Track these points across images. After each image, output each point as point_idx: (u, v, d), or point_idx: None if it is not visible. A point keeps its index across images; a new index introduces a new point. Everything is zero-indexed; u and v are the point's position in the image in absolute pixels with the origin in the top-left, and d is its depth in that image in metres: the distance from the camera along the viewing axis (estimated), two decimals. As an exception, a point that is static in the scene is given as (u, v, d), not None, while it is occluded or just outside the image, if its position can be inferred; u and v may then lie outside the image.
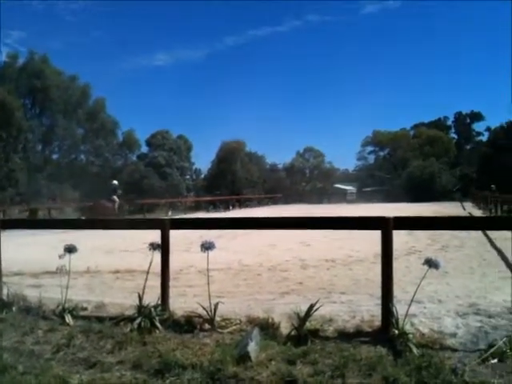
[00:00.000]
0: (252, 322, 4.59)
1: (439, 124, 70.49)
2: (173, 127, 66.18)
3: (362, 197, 52.84)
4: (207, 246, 4.70)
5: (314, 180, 61.81)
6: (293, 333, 4.30)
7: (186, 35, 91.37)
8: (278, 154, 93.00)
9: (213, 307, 4.63)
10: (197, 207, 38.42)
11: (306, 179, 62.78)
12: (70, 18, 71.66)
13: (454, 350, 3.93)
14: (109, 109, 45.50)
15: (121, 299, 5.69)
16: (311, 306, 4.44)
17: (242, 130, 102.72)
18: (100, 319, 4.85)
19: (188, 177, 56.66)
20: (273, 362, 3.69)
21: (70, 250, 5.10)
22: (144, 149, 52.10)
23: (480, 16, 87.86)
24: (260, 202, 46.69)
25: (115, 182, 25.21)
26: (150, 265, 4.89)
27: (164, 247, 5.03)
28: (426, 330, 4.30)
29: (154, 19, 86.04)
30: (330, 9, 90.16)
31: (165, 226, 5.09)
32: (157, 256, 5.01)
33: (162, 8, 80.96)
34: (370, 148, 65.34)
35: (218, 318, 4.63)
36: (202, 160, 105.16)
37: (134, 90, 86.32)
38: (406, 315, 4.23)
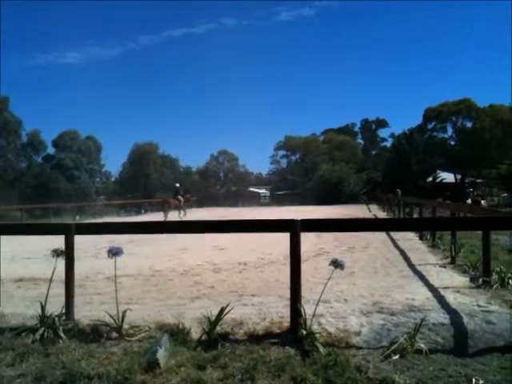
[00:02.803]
0: (162, 328, 4.52)
1: (347, 130, 73.68)
2: (82, 128, 63.40)
3: (276, 200, 53.99)
4: (114, 252, 4.57)
5: (229, 183, 62.10)
6: (203, 337, 4.29)
7: (98, 33, 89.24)
8: (192, 156, 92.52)
9: (121, 315, 4.50)
10: (107, 211, 37.15)
11: (221, 182, 62.90)
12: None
13: (359, 348, 4.11)
14: (12, 107, 43.02)
15: (23, 309, 5.38)
16: (222, 310, 4.45)
17: (155, 132, 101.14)
18: (0, 330, 4.58)
19: (98, 179, 54.70)
20: (182, 368, 3.66)
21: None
22: (50, 150, 49.68)
23: (390, 26, 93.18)
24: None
25: (177, 184, 29.39)
26: (54, 272, 4.67)
27: (68, 253, 4.82)
28: (332, 329, 4.45)
29: (65, 15, 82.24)
30: (245, 13, 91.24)
31: (69, 231, 4.88)
32: (62, 263, 4.79)
33: (73, 4, 77.77)
34: (282, 152, 66.88)
35: (126, 326, 4.51)
36: (113, 162, 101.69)
37: (41, 87, 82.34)
38: (314, 315, 4.36)
